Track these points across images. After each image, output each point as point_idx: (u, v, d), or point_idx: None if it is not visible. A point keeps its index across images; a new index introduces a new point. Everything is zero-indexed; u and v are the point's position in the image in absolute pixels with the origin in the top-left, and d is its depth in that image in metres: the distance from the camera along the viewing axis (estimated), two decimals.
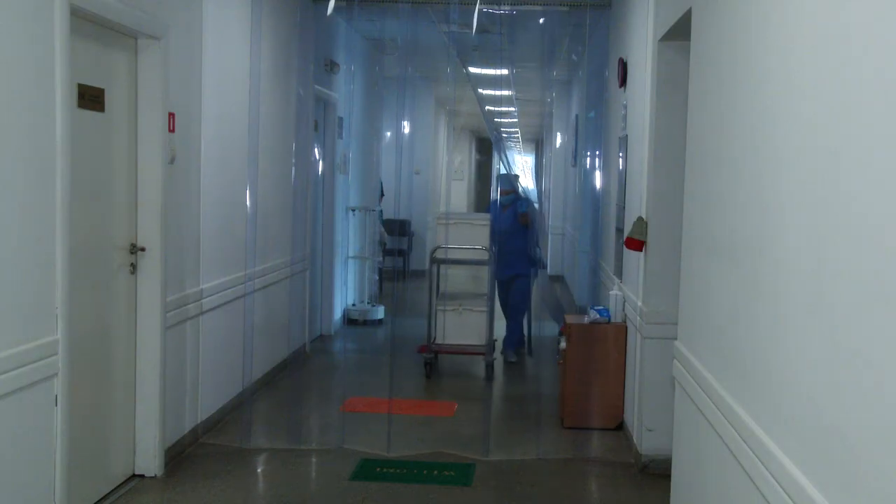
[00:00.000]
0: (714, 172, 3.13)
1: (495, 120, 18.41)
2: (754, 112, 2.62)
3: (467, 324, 7.01)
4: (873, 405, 1.71)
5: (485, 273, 7.37)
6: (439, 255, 7.01)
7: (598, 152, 7.34)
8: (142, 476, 4.45)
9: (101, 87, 3.99)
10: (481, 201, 28.02)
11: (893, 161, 1.65)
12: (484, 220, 7.16)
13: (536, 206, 8.03)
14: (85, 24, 3.80)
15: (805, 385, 2.10)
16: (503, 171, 7.49)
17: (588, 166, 7.94)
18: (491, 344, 6.92)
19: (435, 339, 7.03)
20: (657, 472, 4.71)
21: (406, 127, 10.67)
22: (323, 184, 8.07)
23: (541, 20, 7.53)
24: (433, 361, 6.98)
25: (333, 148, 8.26)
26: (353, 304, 9.20)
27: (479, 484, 4.60)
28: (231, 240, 5.54)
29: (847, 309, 1.86)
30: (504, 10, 6.95)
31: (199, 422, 5.11)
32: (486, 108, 15.15)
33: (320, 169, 7.95)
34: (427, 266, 7.13)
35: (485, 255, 6.91)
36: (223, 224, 5.38)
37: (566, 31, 8.17)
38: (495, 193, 7.98)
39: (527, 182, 8.39)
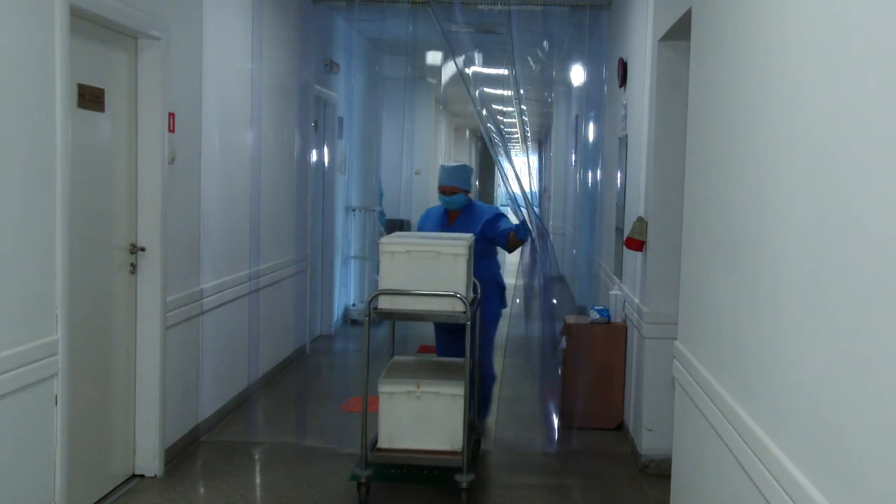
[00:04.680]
0: (714, 172, 3.12)
1: (498, 118, 18.34)
2: (754, 112, 2.62)
3: (430, 415, 4.31)
4: (873, 405, 1.71)
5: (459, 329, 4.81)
6: (384, 304, 4.27)
7: (598, 152, 7.34)
8: (142, 476, 4.45)
9: (101, 87, 3.99)
10: (483, 203, 27.94)
11: (893, 161, 1.65)
12: (460, 245, 4.31)
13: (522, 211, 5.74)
14: (85, 24, 3.80)
15: (805, 385, 2.10)
16: (510, 191, 5.20)
17: (588, 166, 7.94)
18: (469, 451, 4.29)
19: (376, 442, 4.34)
20: (657, 472, 4.71)
21: (406, 127, 10.67)
22: (323, 184, 8.07)
23: (540, 20, 7.53)
24: (369, 482, 4.27)
25: (333, 148, 8.26)
26: (353, 304, 9.20)
27: (479, 484, 4.60)
28: (231, 240, 5.54)
29: (847, 309, 1.86)
30: (503, 8, 6.94)
31: (199, 421, 5.11)
32: (490, 107, 15.10)
33: (321, 169, 7.95)
34: (365, 319, 4.31)
35: (459, 306, 4.21)
36: (223, 224, 5.38)
37: (566, 31, 8.17)
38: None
39: (529, 185, 5.63)
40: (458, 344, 5.06)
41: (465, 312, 4.22)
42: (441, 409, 4.31)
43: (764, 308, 2.45)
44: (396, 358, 4.91)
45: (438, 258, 4.27)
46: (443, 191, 5.27)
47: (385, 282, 4.29)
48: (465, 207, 5.30)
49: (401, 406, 4.33)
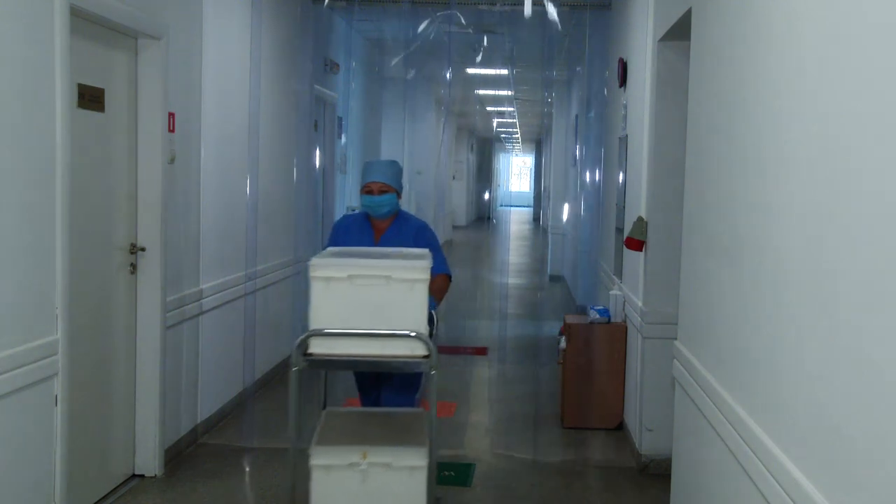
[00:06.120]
0: (714, 172, 3.13)
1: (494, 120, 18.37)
2: (754, 112, 2.62)
3: (380, 495, 3.30)
4: (874, 405, 1.71)
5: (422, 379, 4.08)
6: (318, 349, 3.27)
7: (598, 152, 7.34)
8: (142, 476, 4.45)
9: (101, 87, 3.99)
10: (481, 204, 27.90)
11: (894, 161, 1.65)
12: (418, 267, 3.21)
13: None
14: (85, 24, 3.80)
15: (805, 385, 2.10)
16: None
17: (588, 166, 7.94)
18: None
19: None
20: (657, 472, 4.71)
21: (406, 127, 10.68)
22: (323, 184, 8.07)
23: (540, 20, 7.53)
24: None
25: (333, 148, 8.27)
26: None
27: (479, 484, 4.60)
28: (231, 240, 5.54)
29: (847, 308, 1.86)
30: (503, 8, 6.94)
31: (198, 422, 5.11)
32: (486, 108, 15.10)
33: (320, 169, 7.95)
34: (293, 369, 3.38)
35: (420, 349, 3.18)
36: (223, 224, 5.39)
37: (566, 30, 8.17)
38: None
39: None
40: (397, 397, 4.10)
41: (427, 357, 3.16)
42: (395, 486, 3.25)
43: (764, 307, 2.45)
44: (330, 409, 3.88)
45: (389, 285, 3.16)
46: (369, 189, 4.02)
47: (318, 318, 3.20)
48: (395, 218, 4.15)
49: (341, 484, 3.28)
